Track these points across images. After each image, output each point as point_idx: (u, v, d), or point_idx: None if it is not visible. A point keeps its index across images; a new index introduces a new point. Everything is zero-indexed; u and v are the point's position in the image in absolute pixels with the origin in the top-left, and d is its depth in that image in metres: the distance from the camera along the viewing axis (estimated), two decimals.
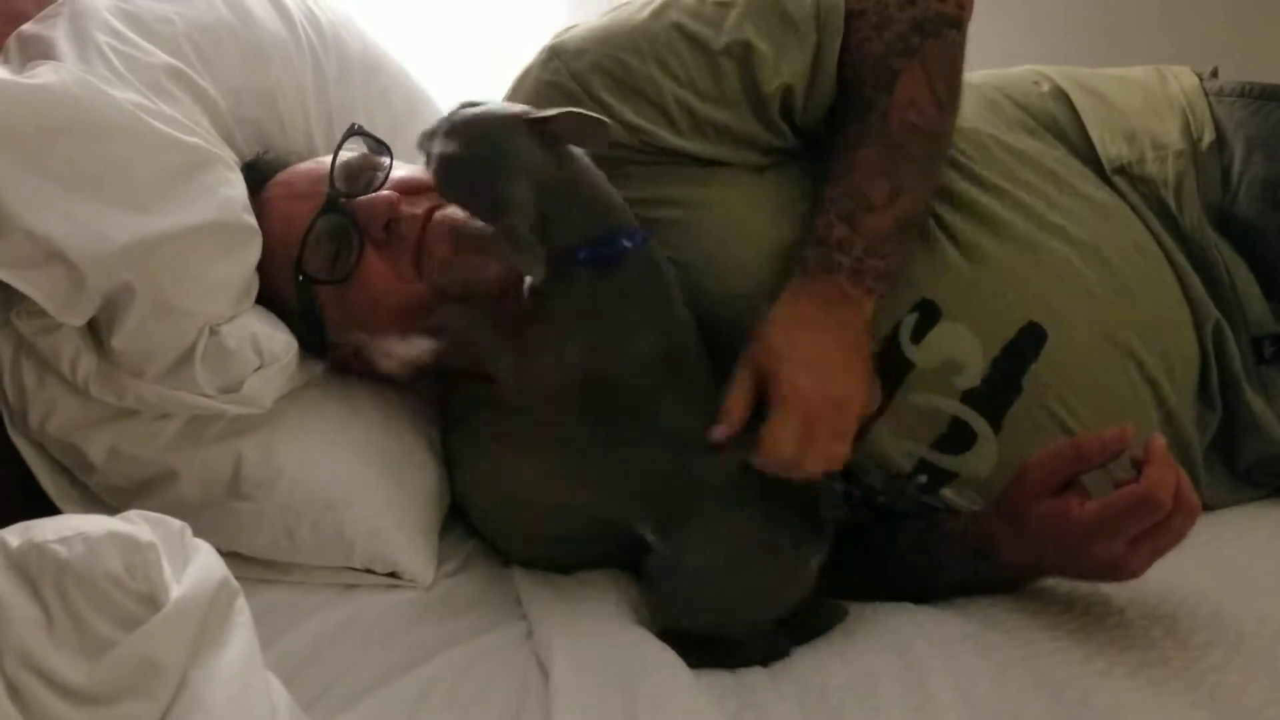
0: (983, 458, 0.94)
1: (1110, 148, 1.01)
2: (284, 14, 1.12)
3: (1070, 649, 0.80)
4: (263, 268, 0.96)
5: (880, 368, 0.91)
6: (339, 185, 0.96)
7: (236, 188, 0.95)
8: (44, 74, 0.89)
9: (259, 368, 0.94)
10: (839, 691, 0.80)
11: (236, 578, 0.84)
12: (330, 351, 1.02)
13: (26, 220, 0.85)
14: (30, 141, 0.86)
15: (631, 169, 0.92)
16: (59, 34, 0.94)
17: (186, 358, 0.92)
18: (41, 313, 0.90)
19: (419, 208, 0.95)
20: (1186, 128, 1.03)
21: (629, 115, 0.91)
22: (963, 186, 0.95)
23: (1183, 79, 1.08)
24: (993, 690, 0.76)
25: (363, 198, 0.95)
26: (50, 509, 0.96)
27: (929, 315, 0.93)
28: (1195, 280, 0.99)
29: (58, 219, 0.86)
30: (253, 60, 1.06)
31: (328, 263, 0.95)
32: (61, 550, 0.62)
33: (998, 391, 0.93)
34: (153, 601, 0.63)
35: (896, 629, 0.86)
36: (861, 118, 0.90)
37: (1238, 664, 0.76)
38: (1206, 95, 1.05)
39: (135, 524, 0.66)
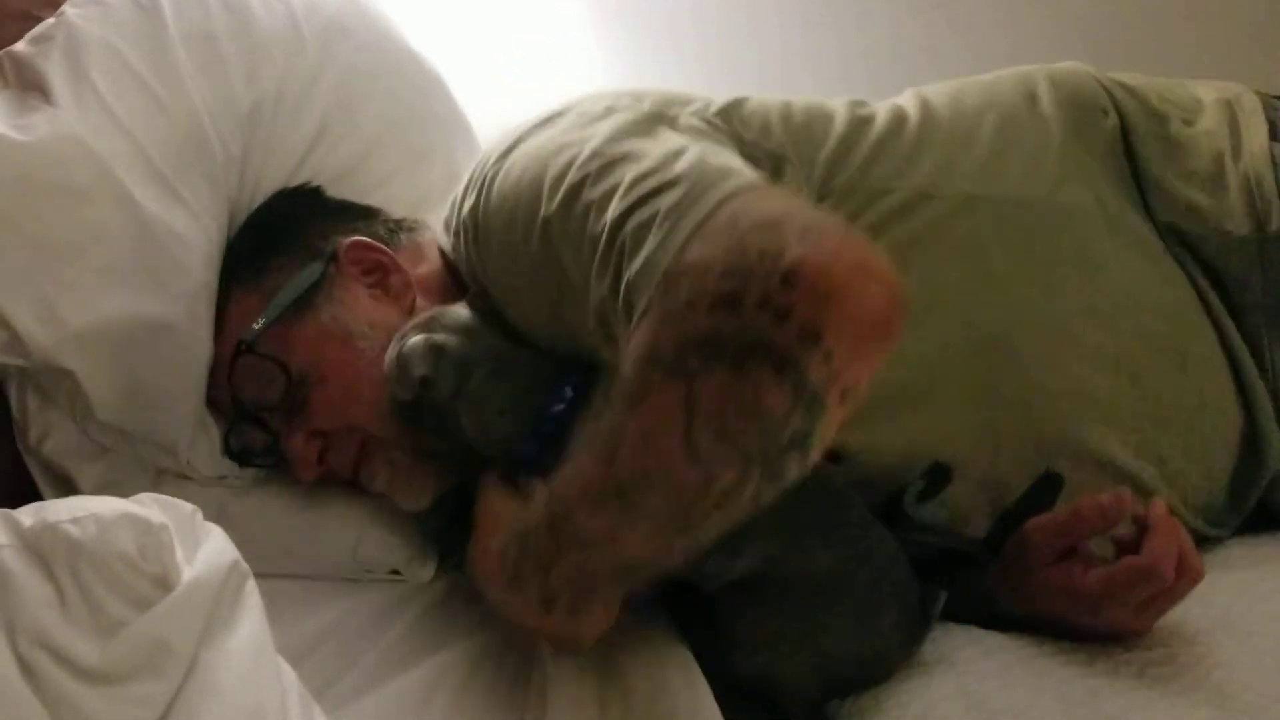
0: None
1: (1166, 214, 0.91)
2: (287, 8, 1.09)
3: (1074, 649, 0.80)
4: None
5: (881, 517, 0.83)
6: (246, 401, 0.92)
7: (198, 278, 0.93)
8: (37, 127, 0.88)
9: None
10: None
11: None
12: None
13: None
14: (11, 204, 0.86)
15: None
16: (53, 66, 0.92)
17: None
18: None
19: (348, 449, 0.93)
20: (1252, 207, 0.90)
21: None
22: (987, 315, 0.85)
23: (1252, 135, 0.93)
24: (998, 690, 0.76)
25: (285, 445, 0.92)
26: None
27: (939, 478, 0.84)
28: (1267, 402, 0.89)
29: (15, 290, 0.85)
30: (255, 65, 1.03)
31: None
32: (74, 530, 0.62)
33: (1004, 536, 0.86)
34: (165, 583, 0.63)
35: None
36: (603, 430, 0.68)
37: (1244, 662, 0.76)
38: (1275, 165, 0.91)
39: (148, 506, 0.66)
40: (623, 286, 0.70)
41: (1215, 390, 0.89)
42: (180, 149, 0.93)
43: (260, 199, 1.02)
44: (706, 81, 1.14)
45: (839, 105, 0.93)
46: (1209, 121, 0.94)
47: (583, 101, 0.85)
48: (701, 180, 0.69)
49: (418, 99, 1.16)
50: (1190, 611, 0.81)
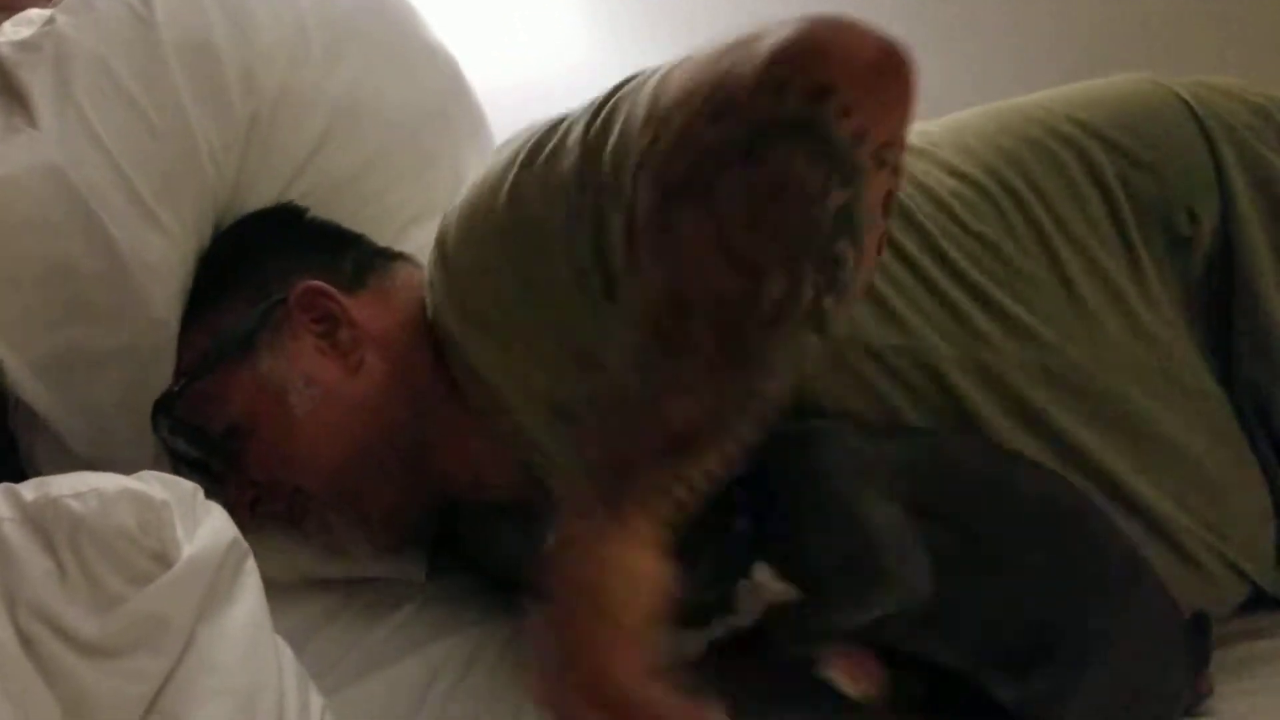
0: None
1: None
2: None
3: None
4: None
5: None
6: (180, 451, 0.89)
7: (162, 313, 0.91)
8: (17, 157, 0.88)
9: None
10: None
11: None
12: None
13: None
14: None
15: None
16: (38, 81, 0.91)
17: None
18: None
19: (278, 501, 0.88)
20: None
21: None
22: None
23: None
24: None
25: (221, 489, 0.86)
26: None
27: None
28: None
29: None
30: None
31: None
32: (76, 505, 0.63)
33: None
34: (164, 559, 0.63)
35: None
36: (627, 291, 0.65)
37: None
38: None
39: (149, 483, 0.67)
40: (604, 169, 0.66)
41: None
42: (167, 171, 0.92)
43: (253, 207, 0.98)
44: None
45: None
46: None
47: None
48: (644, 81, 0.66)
49: (429, 100, 1.12)
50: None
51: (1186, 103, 0.78)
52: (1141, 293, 0.74)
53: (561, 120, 0.74)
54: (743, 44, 0.58)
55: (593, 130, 0.69)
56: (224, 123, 0.95)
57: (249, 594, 0.67)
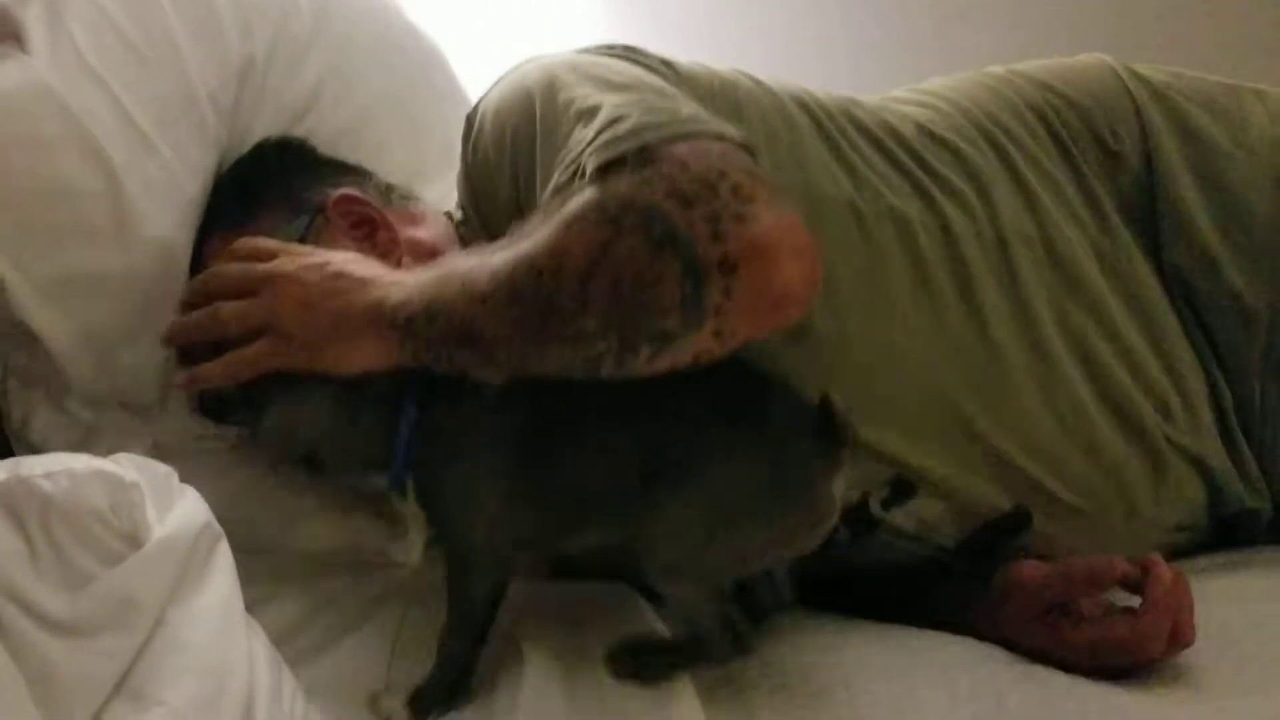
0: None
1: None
2: None
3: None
4: None
5: (847, 521, 0.81)
6: None
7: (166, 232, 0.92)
8: (7, 76, 0.88)
9: None
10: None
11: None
12: None
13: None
14: None
15: None
16: (31, 16, 0.92)
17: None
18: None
19: None
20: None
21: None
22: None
23: None
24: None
25: None
26: None
27: (902, 490, 0.84)
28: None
29: None
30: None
31: None
32: (47, 485, 0.63)
33: (974, 556, 0.86)
34: (135, 539, 0.64)
35: (887, 656, 0.80)
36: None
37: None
38: None
39: (122, 465, 0.67)
40: (598, 130, 0.73)
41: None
42: (162, 102, 0.93)
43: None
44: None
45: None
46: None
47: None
48: (702, 122, 0.75)
49: (416, 72, 1.16)
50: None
51: (1113, 67, 0.98)
52: (1082, 194, 0.91)
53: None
54: (755, 181, 0.69)
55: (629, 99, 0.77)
56: (221, 64, 0.97)
57: (221, 576, 0.68)
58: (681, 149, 0.70)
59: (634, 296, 0.67)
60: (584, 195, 0.70)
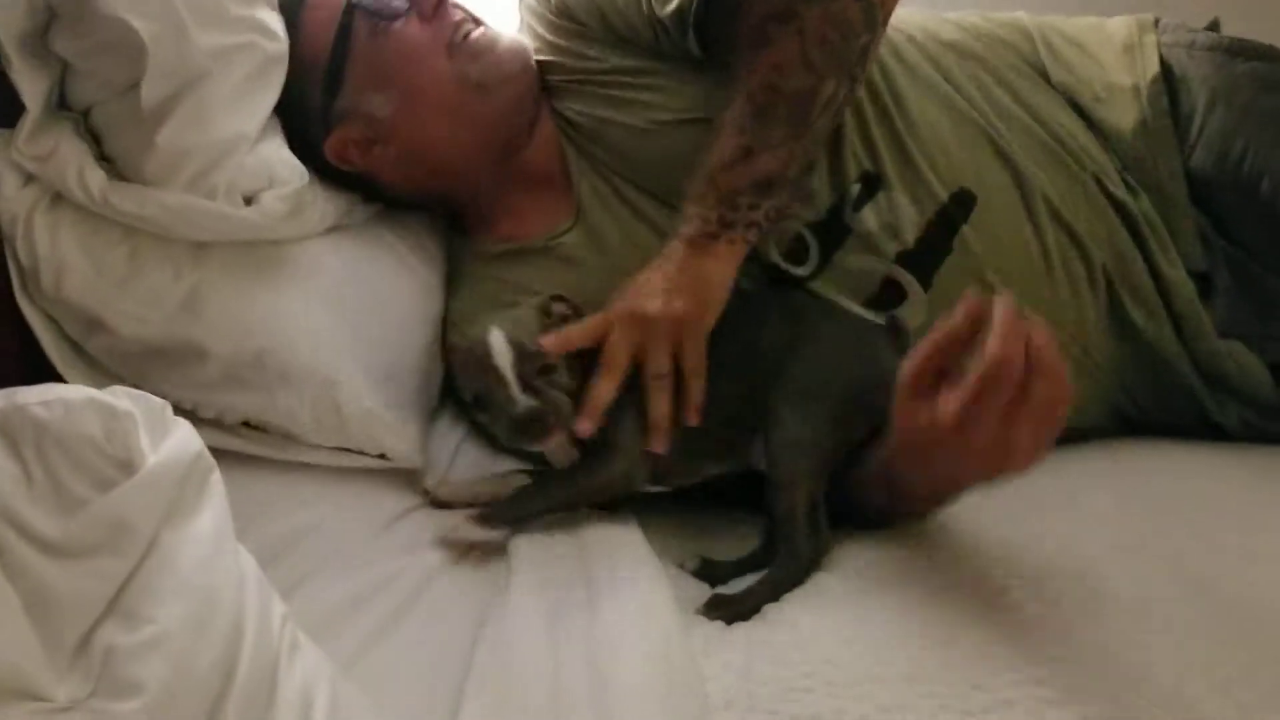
0: (913, 314, 1.03)
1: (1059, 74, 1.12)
2: None
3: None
4: (290, 89, 1.02)
5: (820, 235, 1.04)
6: None
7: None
8: None
9: (269, 189, 0.99)
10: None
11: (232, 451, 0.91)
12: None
13: (109, 6, 0.89)
14: None
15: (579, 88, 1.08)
16: None
17: (211, 168, 0.95)
18: (41, 138, 0.93)
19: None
20: (1133, 66, 1.11)
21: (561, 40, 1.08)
22: (913, 59, 1.09)
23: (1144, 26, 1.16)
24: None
25: None
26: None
27: (871, 186, 1.04)
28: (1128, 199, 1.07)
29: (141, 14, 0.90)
30: None
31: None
32: (42, 412, 0.65)
33: (929, 252, 1.04)
34: (128, 466, 0.65)
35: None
36: (735, 74, 0.96)
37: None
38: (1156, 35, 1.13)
39: (116, 395, 0.68)
40: None
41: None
42: None
43: None
44: None
45: None
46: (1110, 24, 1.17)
47: None
48: None
49: None
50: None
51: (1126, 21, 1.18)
52: None
53: None
54: None
55: None
56: None
57: (213, 505, 0.69)
58: None
59: (839, 38, 0.93)
60: (751, 17, 0.94)
